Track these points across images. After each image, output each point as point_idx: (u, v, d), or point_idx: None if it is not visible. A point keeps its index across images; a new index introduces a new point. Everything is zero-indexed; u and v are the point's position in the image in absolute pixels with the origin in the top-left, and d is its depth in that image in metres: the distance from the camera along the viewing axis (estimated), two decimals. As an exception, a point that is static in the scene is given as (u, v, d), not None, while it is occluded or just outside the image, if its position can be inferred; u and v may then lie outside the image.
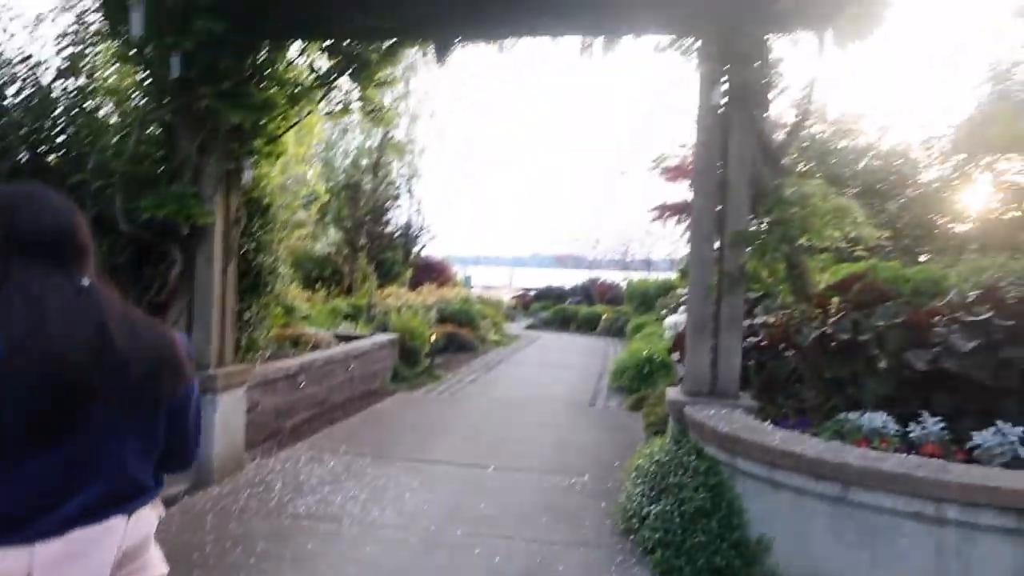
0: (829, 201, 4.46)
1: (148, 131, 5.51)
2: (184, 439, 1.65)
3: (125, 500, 1.47)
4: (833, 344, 4.47)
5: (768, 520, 3.79)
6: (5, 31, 5.60)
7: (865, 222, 4.55)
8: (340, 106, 5.83)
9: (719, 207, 4.92)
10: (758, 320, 5.71)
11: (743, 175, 4.86)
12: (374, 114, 5.98)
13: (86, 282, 1.47)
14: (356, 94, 5.91)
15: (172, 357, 1.54)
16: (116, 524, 1.44)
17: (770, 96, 4.87)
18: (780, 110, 5.19)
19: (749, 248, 4.69)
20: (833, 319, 4.59)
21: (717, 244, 4.96)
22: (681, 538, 3.86)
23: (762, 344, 5.08)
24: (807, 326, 4.61)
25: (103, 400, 1.40)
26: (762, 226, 4.83)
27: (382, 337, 10.33)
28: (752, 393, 5.02)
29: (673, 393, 5.03)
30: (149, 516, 1.54)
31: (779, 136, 5.42)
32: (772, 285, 4.74)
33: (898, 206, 10.62)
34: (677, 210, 20.97)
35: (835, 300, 4.77)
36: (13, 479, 1.33)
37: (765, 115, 4.91)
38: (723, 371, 4.77)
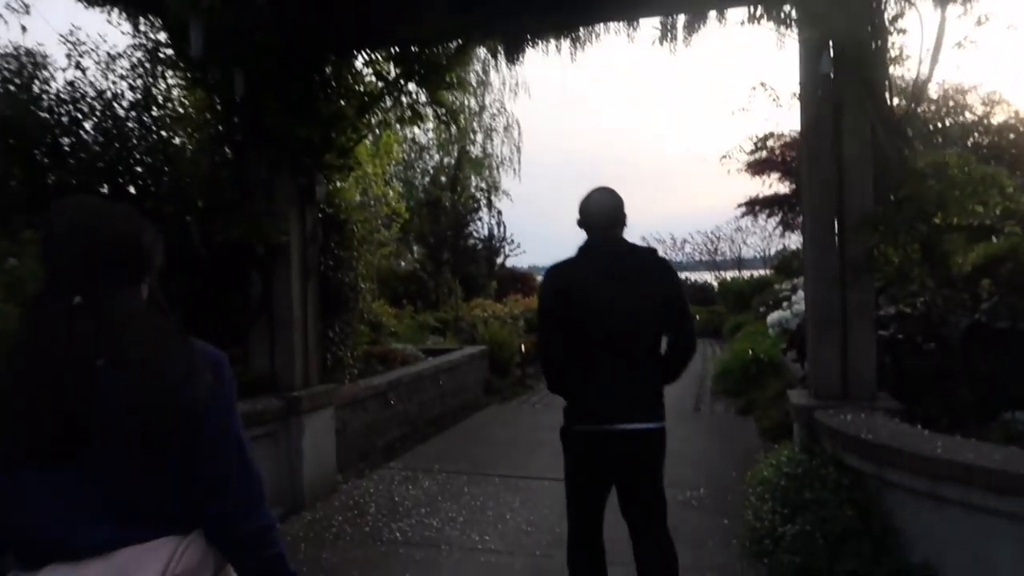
0: (973, 170, 3.85)
1: (220, 154, 5.40)
2: (212, 480, 1.39)
3: (163, 525, 1.33)
4: (988, 334, 3.85)
5: (933, 543, 3.22)
6: (79, 66, 5.60)
7: (1018, 193, 3.91)
8: (410, 112, 5.58)
9: (836, 188, 4.37)
10: (885, 312, 5.07)
11: (862, 150, 4.29)
12: (446, 118, 5.70)
13: (77, 300, 1.31)
14: (425, 100, 5.67)
15: (170, 398, 1.32)
16: (161, 546, 1.30)
17: (889, 55, 4.29)
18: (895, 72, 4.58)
19: (878, 230, 4.12)
20: (986, 305, 3.96)
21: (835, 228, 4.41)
22: (828, 564, 3.33)
23: (896, 338, 4.47)
24: (953, 315, 4.00)
25: (96, 431, 1.27)
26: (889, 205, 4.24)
27: (471, 350, 10.06)
28: (890, 393, 4.41)
29: (797, 396, 4.49)
30: (204, 546, 1.37)
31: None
32: (906, 270, 4.14)
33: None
34: (768, 204, 20.05)
35: (986, 283, 4.13)
36: (39, 501, 1.27)
37: (884, 79, 4.33)
38: (856, 370, 4.20)
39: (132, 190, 5.60)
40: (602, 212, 2.97)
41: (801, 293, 10.68)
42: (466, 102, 20.20)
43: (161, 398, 1.29)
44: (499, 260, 19.69)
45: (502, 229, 19.96)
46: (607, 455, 2.91)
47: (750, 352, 9.11)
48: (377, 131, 6.26)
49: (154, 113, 5.88)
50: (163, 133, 5.83)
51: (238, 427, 1.43)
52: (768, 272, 20.28)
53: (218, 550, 1.40)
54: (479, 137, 22.76)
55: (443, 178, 19.95)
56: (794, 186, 18.46)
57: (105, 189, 5.61)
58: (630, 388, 2.87)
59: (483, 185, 22.22)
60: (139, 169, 5.64)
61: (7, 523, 1.28)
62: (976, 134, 15.07)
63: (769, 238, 24.39)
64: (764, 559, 3.83)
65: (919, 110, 4.59)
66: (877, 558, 3.26)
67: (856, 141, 4.28)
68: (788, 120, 17.02)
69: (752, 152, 14.39)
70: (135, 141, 5.67)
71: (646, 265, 2.96)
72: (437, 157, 22.18)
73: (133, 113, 5.74)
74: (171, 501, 1.34)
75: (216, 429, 1.37)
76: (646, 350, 2.93)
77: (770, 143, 16.52)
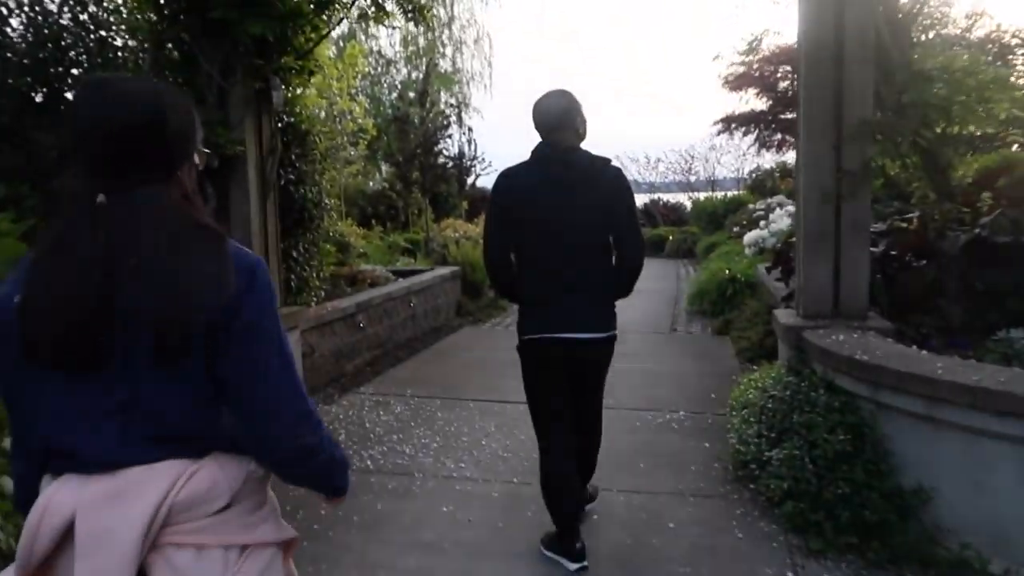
0: (983, 74, 3.57)
1: (166, 57, 4.92)
2: (248, 400, 1.25)
3: (173, 446, 1.22)
4: (988, 249, 3.67)
5: (928, 466, 3.10)
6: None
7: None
8: (374, 8, 5.10)
9: (835, 92, 4.07)
10: (874, 228, 4.88)
11: (864, 51, 3.97)
12: (412, 15, 5.23)
13: (100, 199, 1.18)
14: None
15: (183, 310, 1.19)
16: (166, 470, 1.20)
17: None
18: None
19: (876, 139, 3.86)
20: (986, 219, 3.76)
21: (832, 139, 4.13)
22: (816, 488, 3.21)
23: (889, 255, 4.28)
24: (952, 229, 3.80)
25: (117, 340, 1.17)
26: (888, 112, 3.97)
27: (443, 270, 9.79)
28: (879, 312, 4.26)
29: (785, 316, 4.31)
30: (215, 474, 1.24)
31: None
32: (902, 183, 3.91)
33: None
34: (744, 121, 19.65)
35: (985, 196, 3.92)
36: (62, 411, 1.22)
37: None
38: (848, 288, 4.01)
39: (69, 95, 5.14)
40: (549, 112, 2.93)
41: (778, 212, 10.52)
42: (434, 11, 19.31)
43: (174, 309, 1.18)
44: (470, 179, 19.19)
45: (473, 147, 19.36)
46: (556, 359, 3.00)
47: (726, 272, 8.95)
48: (340, 41, 5.76)
49: (91, 10, 5.35)
50: (101, 33, 5.33)
51: (280, 339, 1.28)
52: (741, 192, 20.06)
53: (262, 467, 1.31)
54: (448, 50, 21.99)
55: (411, 93, 19.20)
56: (771, 102, 18.09)
57: (40, 96, 5.15)
58: (577, 297, 2.93)
59: (453, 101, 21.55)
60: (76, 72, 5.15)
61: (36, 429, 1.25)
62: (957, 48, 14.75)
63: (743, 157, 24.09)
64: (750, 484, 3.73)
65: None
66: (868, 482, 3.14)
67: (858, 41, 3.96)
68: (784, 22, 16.46)
69: (748, 51, 13.94)
70: (70, 41, 5.16)
71: (594, 173, 2.92)
72: (405, 72, 21.42)
73: (66, 10, 5.21)
74: (189, 419, 1.24)
75: (246, 342, 1.23)
76: (593, 259, 2.95)
77: (749, 58, 16.03)
